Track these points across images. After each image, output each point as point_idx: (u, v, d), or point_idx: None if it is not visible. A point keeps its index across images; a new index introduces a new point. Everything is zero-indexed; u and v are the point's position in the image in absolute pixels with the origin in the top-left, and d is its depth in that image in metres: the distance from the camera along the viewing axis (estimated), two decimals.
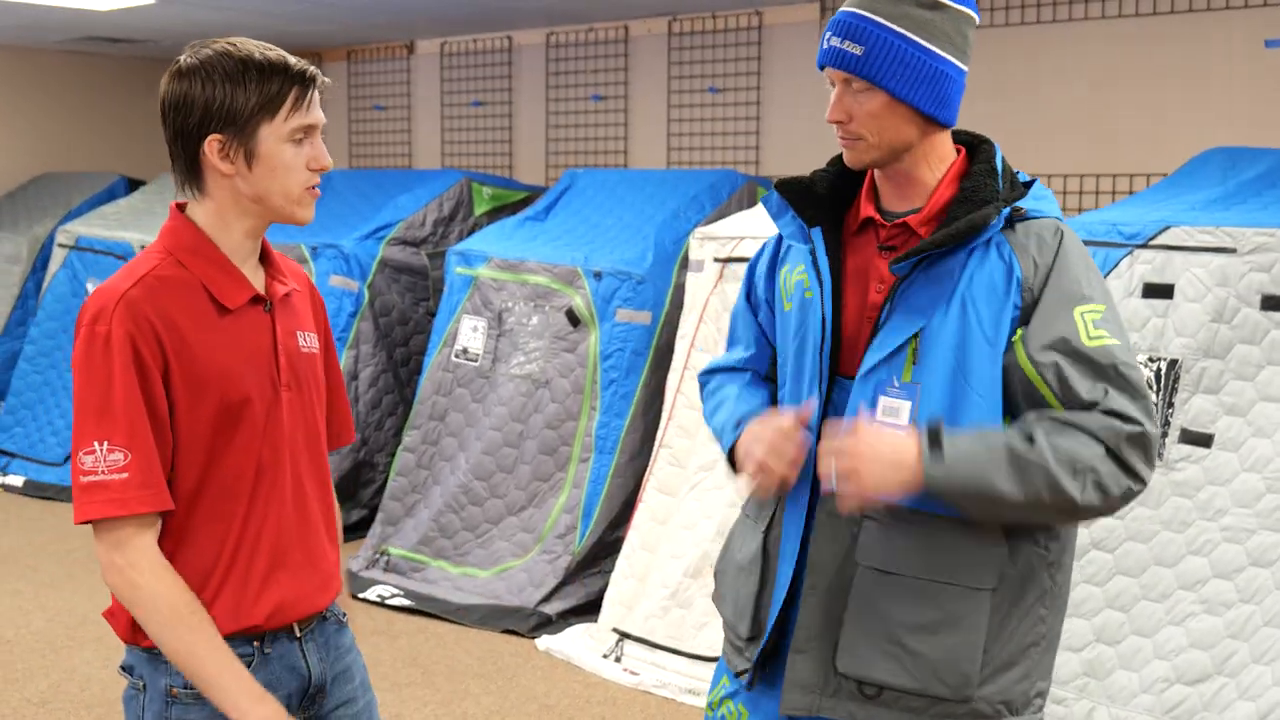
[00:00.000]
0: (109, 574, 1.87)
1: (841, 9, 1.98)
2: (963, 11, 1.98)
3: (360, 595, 5.19)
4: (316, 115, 1.94)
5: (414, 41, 8.13)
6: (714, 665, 4.29)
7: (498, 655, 4.67)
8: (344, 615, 2.16)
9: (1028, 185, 2.02)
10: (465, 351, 5.51)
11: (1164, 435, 3.65)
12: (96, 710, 4.17)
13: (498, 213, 6.60)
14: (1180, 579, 3.56)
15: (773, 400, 2.19)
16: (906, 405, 1.94)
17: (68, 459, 6.79)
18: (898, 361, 1.95)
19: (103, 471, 1.82)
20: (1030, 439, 1.86)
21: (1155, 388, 3.66)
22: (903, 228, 2.01)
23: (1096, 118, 5.46)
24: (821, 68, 2.00)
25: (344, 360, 5.92)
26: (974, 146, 2.07)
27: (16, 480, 6.88)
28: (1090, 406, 1.87)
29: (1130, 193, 5.30)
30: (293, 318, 2.05)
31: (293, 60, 1.92)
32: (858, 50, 1.93)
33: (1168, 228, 3.72)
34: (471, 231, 6.43)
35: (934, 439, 1.86)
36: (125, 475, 1.82)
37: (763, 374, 2.24)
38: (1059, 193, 5.51)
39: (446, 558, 5.29)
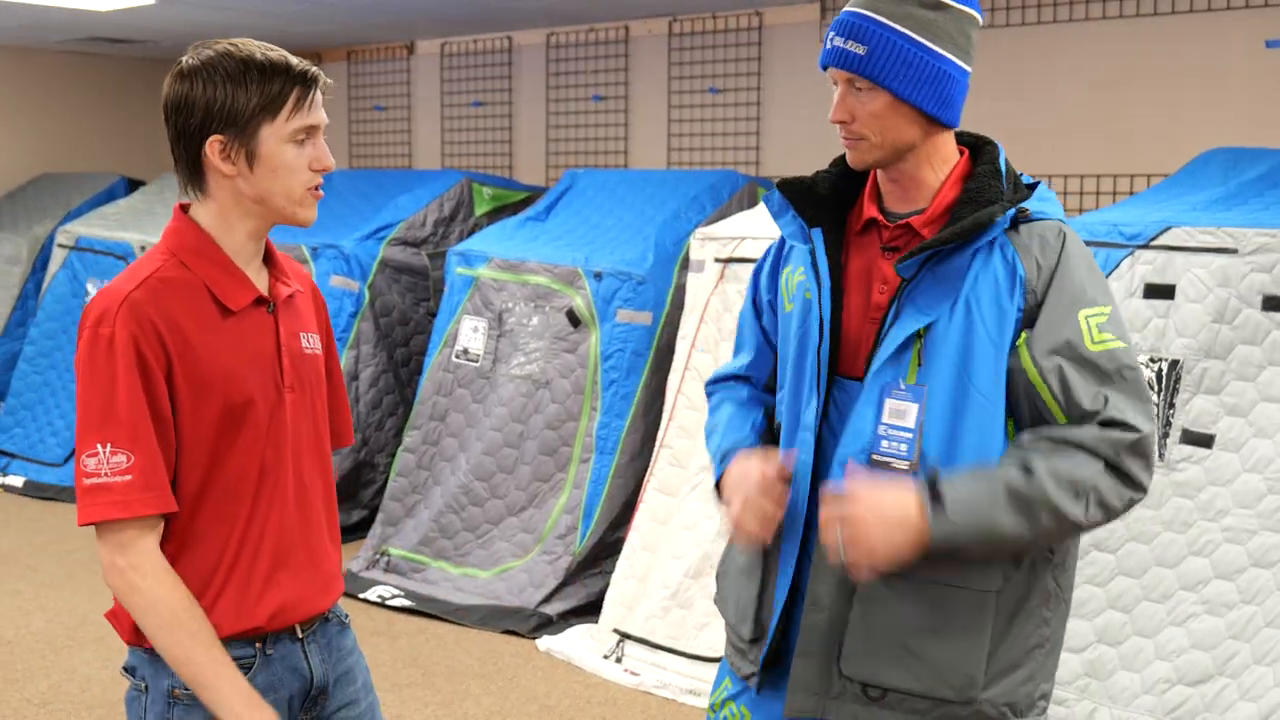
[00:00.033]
0: (111, 576, 1.86)
1: (845, 9, 1.98)
2: (966, 12, 1.97)
3: (361, 596, 5.19)
4: (318, 116, 1.93)
5: (414, 42, 8.12)
6: (715, 666, 4.31)
7: (498, 656, 4.67)
8: (346, 617, 2.15)
9: (1031, 187, 2.02)
10: (466, 352, 5.50)
11: (1165, 436, 3.64)
12: (97, 711, 4.16)
13: (498, 213, 6.60)
14: (1181, 580, 3.55)
15: (767, 416, 2.19)
16: (914, 408, 1.93)
17: (68, 459, 6.79)
18: (903, 363, 1.95)
19: (106, 474, 1.82)
20: (1028, 469, 1.86)
21: (1156, 388, 3.66)
22: (906, 229, 2.01)
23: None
24: (824, 68, 2.00)
25: (344, 361, 5.92)
26: (977, 148, 2.06)
27: (16, 481, 6.87)
28: (1090, 416, 1.88)
29: None
30: (296, 319, 2.05)
31: (294, 61, 1.92)
32: (861, 50, 1.93)
33: (1169, 228, 3.72)
34: (472, 232, 6.43)
35: (934, 491, 1.86)
36: (128, 478, 1.82)
37: (762, 382, 2.24)
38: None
39: (447, 558, 5.29)
